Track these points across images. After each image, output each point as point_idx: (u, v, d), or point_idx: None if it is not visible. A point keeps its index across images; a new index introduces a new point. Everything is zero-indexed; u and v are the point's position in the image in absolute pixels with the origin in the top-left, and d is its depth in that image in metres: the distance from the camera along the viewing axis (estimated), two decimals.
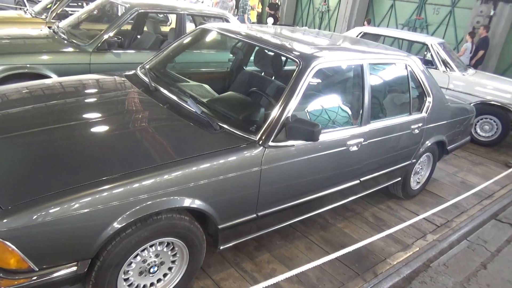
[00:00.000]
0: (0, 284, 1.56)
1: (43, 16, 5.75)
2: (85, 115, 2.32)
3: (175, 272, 2.15)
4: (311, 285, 2.53)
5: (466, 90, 5.68)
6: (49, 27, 4.67)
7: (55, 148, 1.96)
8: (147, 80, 2.75)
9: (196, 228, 2.07)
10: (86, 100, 2.57)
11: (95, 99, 2.62)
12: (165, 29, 5.99)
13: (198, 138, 2.20)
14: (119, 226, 1.73)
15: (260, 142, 2.19)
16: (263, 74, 3.64)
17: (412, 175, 3.68)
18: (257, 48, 3.50)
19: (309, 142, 2.36)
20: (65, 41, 4.12)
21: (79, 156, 1.91)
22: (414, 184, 3.84)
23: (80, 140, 2.06)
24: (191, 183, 1.93)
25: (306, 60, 2.43)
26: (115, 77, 2.98)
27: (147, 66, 3.06)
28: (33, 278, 1.59)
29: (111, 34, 4.07)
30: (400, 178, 3.53)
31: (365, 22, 11.10)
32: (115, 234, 1.75)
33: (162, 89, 2.67)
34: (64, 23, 4.69)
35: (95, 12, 4.99)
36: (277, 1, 14.33)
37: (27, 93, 2.56)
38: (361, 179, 2.97)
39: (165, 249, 2.04)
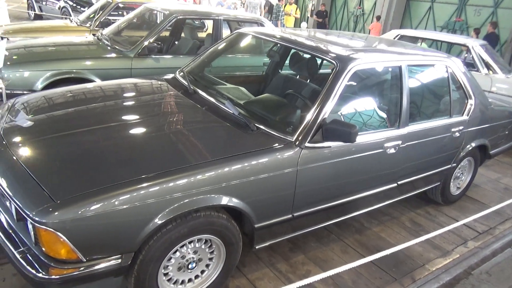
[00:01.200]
0: (51, 272, 1.66)
1: (88, 25, 6.03)
2: (127, 117, 2.43)
3: (212, 269, 2.20)
4: (344, 285, 2.51)
5: (511, 93, 5.44)
6: (93, 35, 4.91)
7: (99, 147, 2.06)
8: (186, 83, 2.84)
9: (233, 226, 2.11)
10: (127, 103, 2.69)
11: (135, 102, 2.74)
12: (201, 35, 6.14)
13: (236, 138, 2.25)
14: (160, 222, 1.80)
15: (297, 143, 2.21)
16: (298, 77, 3.68)
17: (452, 180, 3.57)
18: (292, 51, 3.54)
19: (346, 144, 2.35)
20: (108, 47, 4.31)
21: (121, 155, 2.00)
22: (454, 189, 3.72)
23: (121, 139, 2.16)
24: (231, 182, 1.97)
25: (343, 61, 2.43)
26: (155, 80, 3.09)
27: (186, 70, 3.15)
28: (80, 268, 1.68)
29: (151, 40, 4.22)
30: (439, 183, 3.44)
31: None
32: (157, 230, 1.81)
33: (200, 92, 2.75)
34: (107, 31, 4.91)
35: (135, 20, 5.19)
36: (324, 8, 13.83)
37: (71, 96, 2.70)
38: (399, 183, 2.92)
39: (203, 246, 2.09)
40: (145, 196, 1.74)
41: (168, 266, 2.00)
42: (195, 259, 2.09)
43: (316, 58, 3.03)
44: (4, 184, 1.77)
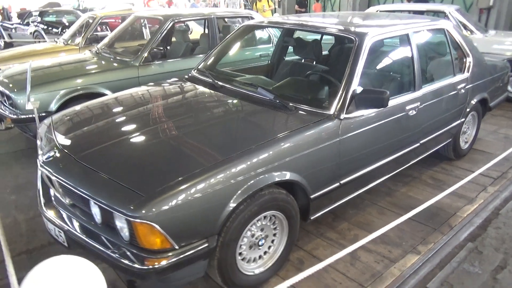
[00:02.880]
0: (148, 263, 1.78)
1: (76, 42, 6.03)
2: (172, 115, 2.55)
3: (277, 244, 2.35)
4: (395, 243, 2.71)
5: (491, 51, 5.76)
6: (89, 51, 4.95)
7: (158, 145, 2.18)
8: (210, 79, 2.96)
9: (292, 200, 2.26)
10: (165, 104, 2.79)
11: (173, 102, 2.83)
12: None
13: (279, 119, 2.40)
14: (234, 204, 1.94)
15: (335, 115, 2.38)
16: (303, 61, 3.86)
17: (460, 135, 3.82)
18: (296, 37, 3.71)
19: (375, 111, 2.55)
20: (112, 60, 4.38)
21: (188, 147, 2.13)
22: (463, 144, 3.97)
23: (176, 136, 2.27)
24: (286, 159, 2.13)
25: (360, 36, 2.61)
26: (178, 81, 3.20)
27: (203, 68, 3.28)
28: (174, 256, 1.80)
29: (153, 46, 4.30)
30: (451, 139, 3.68)
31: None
32: (232, 211, 1.95)
33: (226, 85, 2.88)
34: (102, 44, 4.96)
35: (129, 30, 5.24)
36: None
37: (107, 106, 2.81)
38: (421, 142, 3.13)
39: (268, 223, 2.24)
40: (217, 182, 1.87)
41: (241, 245, 2.14)
42: (263, 236, 2.24)
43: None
44: (88, 192, 1.87)
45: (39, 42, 9.88)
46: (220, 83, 2.91)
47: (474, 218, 2.97)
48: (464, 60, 3.56)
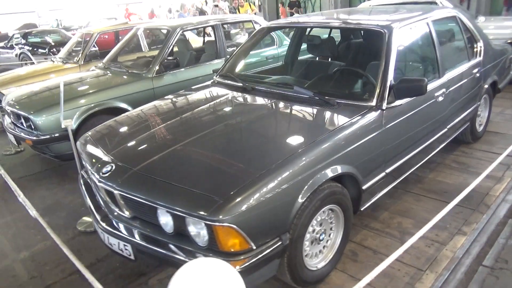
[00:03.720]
0: None
1: (75, 59, 5.96)
2: (224, 119, 2.59)
3: (334, 238, 2.38)
4: (439, 227, 2.76)
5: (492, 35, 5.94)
6: (96, 67, 4.91)
7: (223, 147, 2.23)
8: (240, 83, 2.99)
9: (346, 193, 2.30)
10: (210, 108, 2.79)
11: (216, 106, 2.82)
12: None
13: (325, 115, 2.44)
14: (302, 200, 1.97)
15: (377, 106, 2.43)
16: (317, 58, 3.92)
17: (476, 118, 3.94)
18: (309, 36, 3.77)
19: (411, 100, 2.62)
20: (124, 74, 4.36)
21: (249, 149, 2.16)
22: (478, 127, 4.09)
23: (238, 137, 2.33)
24: (341, 152, 2.17)
25: (389, 28, 2.68)
26: (205, 87, 3.21)
27: (227, 72, 3.30)
28: (253, 256, 1.81)
29: (165, 57, 4.30)
30: (469, 123, 3.78)
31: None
32: (300, 207, 1.97)
33: (257, 87, 2.91)
34: (109, 59, 4.92)
35: (134, 41, 5.23)
36: None
37: (144, 116, 2.82)
38: (448, 127, 3.22)
39: (326, 217, 2.27)
40: (285, 180, 1.90)
41: (304, 241, 2.17)
42: (322, 230, 2.26)
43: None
44: (161, 202, 1.86)
45: (26, 64, 9.72)
46: (250, 85, 2.94)
47: (507, 196, 3.07)
48: (476, 45, 3.68)
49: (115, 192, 2.03)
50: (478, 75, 3.57)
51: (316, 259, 2.29)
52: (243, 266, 1.78)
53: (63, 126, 2.75)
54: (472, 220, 2.83)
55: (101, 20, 14.56)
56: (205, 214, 1.72)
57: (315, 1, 15.27)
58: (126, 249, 2.08)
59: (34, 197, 3.62)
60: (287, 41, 5.58)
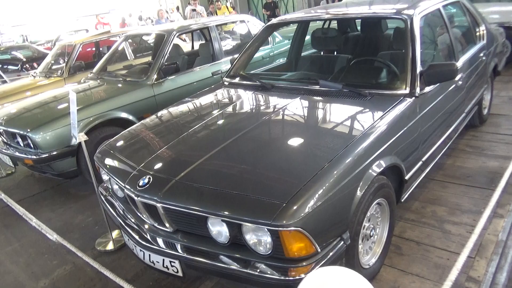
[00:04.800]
0: (294, 273, 1.66)
1: (59, 73, 5.68)
2: (252, 120, 2.45)
3: (380, 232, 2.30)
4: (474, 211, 2.74)
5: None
6: (86, 78, 4.67)
7: (265, 149, 2.10)
8: (256, 82, 2.88)
9: (391, 185, 2.22)
10: (235, 110, 2.68)
11: (240, 107, 2.71)
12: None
13: (361, 107, 2.35)
14: (360, 195, 1.88)
15: (411, 94, 2.37)
16: (321, 53, 3.86)
17: (483, 101, 3.97)
18: (314, 30, 3.69)
19: (437, 85, 2.58)
20: (121, 83, 4.16)
21: (292, 149, 2.05)
22: (483, 110, 4.12)
23: (277, 137, 2.22)
24: (386, 144, 2.09)
25: (410, 15, 2.63)
26: (220, 90, 3.08)
27: (238, 73, 3.18)
28: (319, 260, 1.70)
29: (163, 62, 4.13)
30: (477, 106, 3.81)
31: None
32: (359, 203, 1.88)
33: (276, 84, 2.81)
34: (98, 69, 4.70)
35: (121, 50, 5.02)
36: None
37: (176, 118, 2.72)
38: (465, 111, 3.21)
39: (373, 212, 2.19)
40: (342, 177, 1.80)
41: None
42: (371, 226, 2.18)
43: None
44: (216, 211, 1.72)
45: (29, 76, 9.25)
46: (270, 83, 2.83)
47: None
48: (479, 28, 3.71)
49: (158, 205, 1.87)
50: (484, 58, 3.60)
51: (367, 256, 2.21)
52: (305, 273, 1.66)
53: (77, 141, 2.55)
54: (504, 201, 2.81)
55: (71, 33, 14.05)
56: (269, 219, 1.59)
57: (287, 1, 15.32)
58: (173, 266, 1.92)
59: (40, 220, 3.38)
60: (278, 38, 5.53)
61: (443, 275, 2.21)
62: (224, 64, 4.65)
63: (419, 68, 2.44)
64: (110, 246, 2.85)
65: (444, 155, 3.57)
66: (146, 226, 2.06)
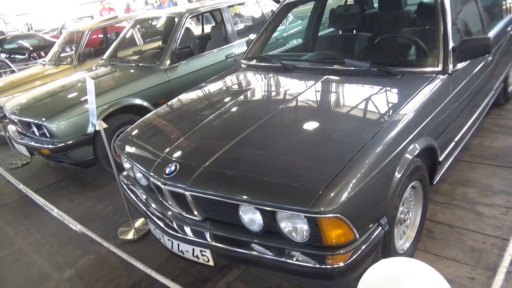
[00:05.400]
0: (331, 262, 1.59)
1: (68, 60, 5.61)
2: (279, 102, 2.34)
3: (413, 216, 2.22)
4: (506, 192, 2.64)
5: None
6: (97, 65, 4.59)
7: (295, 132, 2.00)
8: (277, 63, 2.77)
9: (424, 167, 2.13)
10: (259, 93, 2.58)
11: (265, 90, 2.62)
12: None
13: (391, 87, 2.24)
14: (398, 178, 1.79)
15: (444, 71, 2.26)
16: (340, 32, 3.72)
17: (508, 78, 3.82)
18: (332, 8, 3.55)
19: (468, 61, 2.46)
20: (133, 68, 4.07)
21: (325, 133, 1.96)
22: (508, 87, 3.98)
23: (306, 119, 2.11)
24: (421, 125, 1.99)
25: None
26: (241, 72, 2.98)
27: (257, 54, 3.08)
28: (358, 247, 1.63)
29: (176, 46, 4.02)
30: (503, 83, 3.66)
31: None
32: (396, 186, 1.79)
33: (298, 65, 2.70)
34: (109, 55, 4.61)
35: (131, 35, 4.92)
36: None
37: (196, 103, 2.64)
38: (494, 88, 3.09)
39: (407, 196, 2.10)
40: (379, 161, 1.71)
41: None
42: (406, 210, 2.10)
43: None
44: (249, 199, 1.65)
45: (5, 73, 9.20)
46: (291, 64, 2.72)
47: None
48: (506, 1, 3.54)
49: (187, 193, 1.80)
50: (511, 32, 3.44)
51: (400, 241, 2.13)
52: (354, 258, 1.59)
53: (97, 129, 2.48)
54: None
55: (75, 21, 13.90)
56: (307, 206, 1.51)
57: None
58: (203, 255, 1.87)
59: (60, 210, 3.35)
60: (291, 18, 5.37)
61: (480, 259, 2.14)
62: (237, 47, 4.54)
63: (451, 44, 2.32)
64: (132, 235, 2.80)
65: (471, 135, 3.46)
66: (173, 215, 2.00)
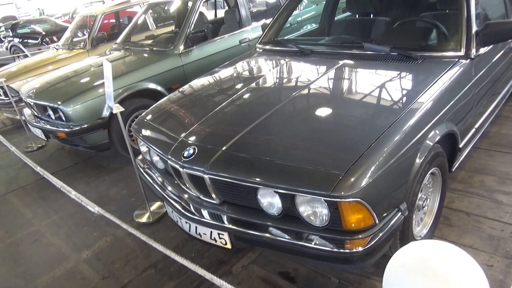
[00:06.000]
0: (350, 246, 1.59)
1: (82, 45, 5.61)
2: (296, 87, 2.32)
3: (431, 203, 2.20)
4: None
5: None
6: (111, 49, 4.58)
7: (316, 116, 1.98)
8: (294, 48, 2.74)
9: (444, 153, 2.10)
10: (277, 77, 2.56)
11: (282, 73, 2.60)
12: None
13: (412, 72, 2.20)
14: (418, 163, 1.77)
15: (467, 55, 2.21)
16: (357, 16, 3.65)
17: None
18: None
19: (490, 47, 2.40)
20: (147, 52, 4.06)
21: (345, 117, 1.94)
22: None
23: (325, 105, 2.09)
24: (443, 110, 1.96)
25: None
26: (256, 57, 2.95)
27: (273, 39, 3.04)
28: (378, 232, 1.62)
29: (190, 30, 3.99)
30: None
31: None
32: (417, 171, 1.77)
33: (315, 49, 2.67)
34: (123, 39, 4.60)
35: (149, 18, 4.90)
36: None
37: (213, 86, 2.61)
38: None
39: (425, 182, 2.08)
40: (401, 145, 1.69)
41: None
42: (424, 197, 2.08)
43: None
44: (268, 182, 1.64)
45: (18, 57, 9.25)
46: (308, 49, 2.68)
47: None
48: None
49: (205, 176, 1.80)
50: None
51: (417, 227, 2.12)
52: (373, 243, 1.58)
53: (114, 112, 2.49)
54: None
55: (86, 5, 13.87)
56: (328, 190, 1.51)
57: None
58: (221, 238, 1.88)
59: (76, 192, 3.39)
60: (305, 2, 5.30)
61: (498, 247, 2.12)
62: (251, 32, 4.49)
63: (474, 28, 2.26)
64: (147, 218, 2.83)
65: (489, 122, 3.41)
66: (190, 198, 2.01)
